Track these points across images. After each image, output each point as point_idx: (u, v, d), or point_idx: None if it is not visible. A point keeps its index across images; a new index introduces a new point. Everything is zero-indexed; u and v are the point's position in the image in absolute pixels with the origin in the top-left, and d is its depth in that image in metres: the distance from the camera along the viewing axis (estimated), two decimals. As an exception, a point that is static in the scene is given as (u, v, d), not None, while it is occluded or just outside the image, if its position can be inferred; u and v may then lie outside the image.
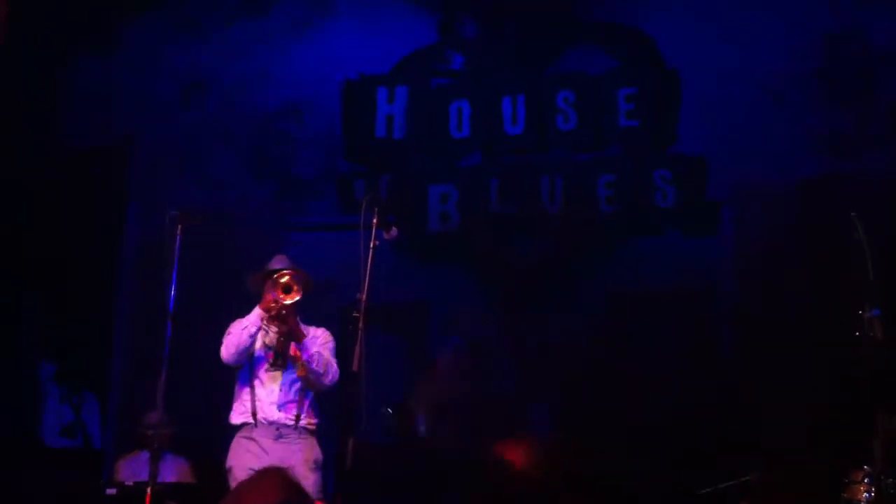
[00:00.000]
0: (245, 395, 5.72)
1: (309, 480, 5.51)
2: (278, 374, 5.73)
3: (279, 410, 5.67)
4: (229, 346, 5.67)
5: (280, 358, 5.73)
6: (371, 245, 5.19)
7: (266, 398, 5.68)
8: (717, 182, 7.41)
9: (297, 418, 5.70)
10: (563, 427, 6.97)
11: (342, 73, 8.08)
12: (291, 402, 5.70)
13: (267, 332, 5.76)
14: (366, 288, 5.14)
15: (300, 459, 5.63)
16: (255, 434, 5.65)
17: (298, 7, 8.09)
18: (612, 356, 7.43)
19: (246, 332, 5.65)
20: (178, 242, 5.38)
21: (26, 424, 6.96)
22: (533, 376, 7.11)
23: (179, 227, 5.38)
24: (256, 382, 5.72)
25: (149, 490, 5.02)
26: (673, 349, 7.24)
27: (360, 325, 5.24)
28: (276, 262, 5.83)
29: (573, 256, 7.71)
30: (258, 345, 5.76)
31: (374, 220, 5.28)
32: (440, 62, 8.15)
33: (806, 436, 6.57)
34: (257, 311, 5.69)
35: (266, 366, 5.75)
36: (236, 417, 5.74)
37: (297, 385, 5.72)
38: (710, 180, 7.42)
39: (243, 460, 5.60)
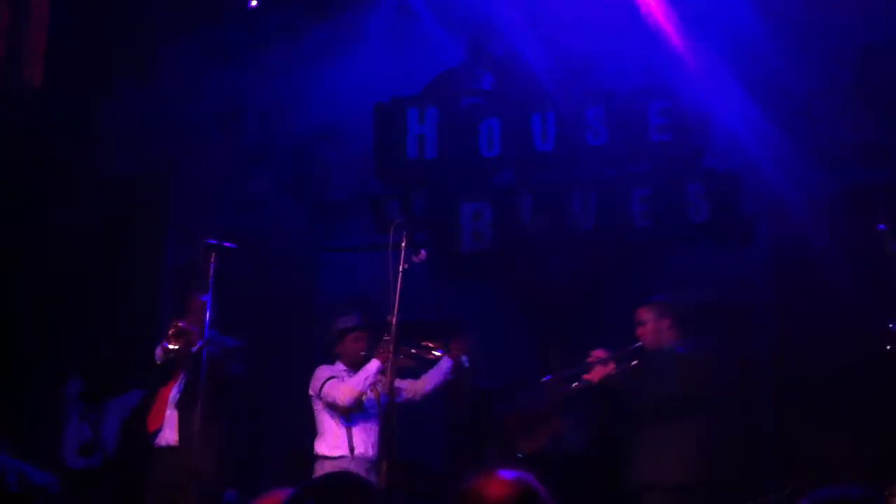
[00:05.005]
0: (340, 429, 6.10)
1: None
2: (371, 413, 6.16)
3: (372, 448, 6.08)
4: (347, 394, 6.04)
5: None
6: (400, 268, 5.29)
7: (360, 434, 6.12)
8: (750, 195, 7.36)
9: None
10: (595, 442, 6.96)
11: (374, 96, 8.15)
12: (375, 441, 6.09)
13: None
14: (395, 311, 5.22)
15: None
16: (350, 467, 5.82)
17: (330, 31, 8.16)
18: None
19: (367, 381, 6.04)
20: (212, 271, 5.51)
21: (49, 446, 7.07)
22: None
23: (214, 255, 5.51)
24: (353, 419, 6.11)
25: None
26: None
27: (391, 348, 5.33)
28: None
29: (607, 272, 7.69)
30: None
31: (403, 243, 5.37)
32: (470, 82, 8.20)
33: (845, 449, 6.51)
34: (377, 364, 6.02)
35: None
36: (330, 450, 6.08)
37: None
38: (743, 194, 7.38)
39: None
